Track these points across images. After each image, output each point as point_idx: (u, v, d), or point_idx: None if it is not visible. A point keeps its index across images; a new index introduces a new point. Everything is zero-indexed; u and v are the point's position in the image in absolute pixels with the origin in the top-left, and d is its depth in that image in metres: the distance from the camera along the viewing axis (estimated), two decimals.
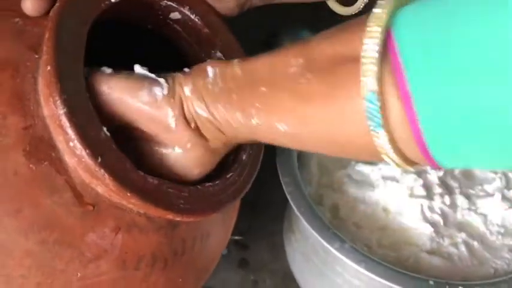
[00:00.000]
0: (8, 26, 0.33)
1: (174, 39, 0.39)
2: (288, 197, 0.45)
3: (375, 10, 0.26)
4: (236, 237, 0.55)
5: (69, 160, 0.31)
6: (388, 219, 0.46)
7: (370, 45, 0.25)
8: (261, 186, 0.57)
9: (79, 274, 0.32)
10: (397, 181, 0.47)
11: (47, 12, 0.32)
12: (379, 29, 0.25)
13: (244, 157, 0.38)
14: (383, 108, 0.25)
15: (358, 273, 0.42)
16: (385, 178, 0.48)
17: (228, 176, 0.36)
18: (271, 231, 0.55)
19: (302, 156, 0.50)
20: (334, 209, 0.48)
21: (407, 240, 0.45)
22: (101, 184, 0.31)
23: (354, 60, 0.26)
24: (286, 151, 0.47)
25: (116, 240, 0.32)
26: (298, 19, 0.69)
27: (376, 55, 0.25)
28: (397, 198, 0.46)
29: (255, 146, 0.39)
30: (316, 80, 0.28)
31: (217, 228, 0.40)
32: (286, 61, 0.30)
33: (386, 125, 0.25)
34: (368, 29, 0.25)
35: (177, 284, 0.37)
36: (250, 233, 0.55)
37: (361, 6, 0.43)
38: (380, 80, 0.25)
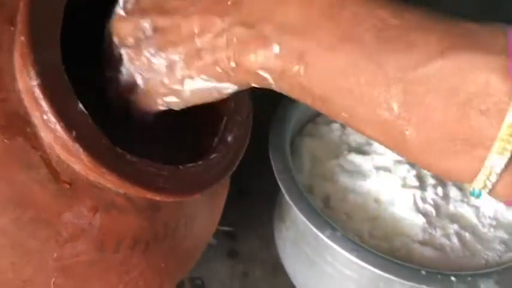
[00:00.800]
0: None
1: None
2: (280, 184, 0.44)
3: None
4: (225, 228, 0.54)
5: (45, 136, 0.30)
6: (379, 209, 0.45)
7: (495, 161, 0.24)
8: (250, 176, 0.57)
9: (55, 254, 0.31)
10: (390, 171, 0.47)
11: None
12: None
13: (229, 138, 0.37)
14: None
15: (350, 262, 0.41)
16: (377, 168, 0.47)
17: (211, 157, 0.36)
18: (261, 221, 0.54)
19: (294, 146, 0.50)
20: (326, 199, 0.47)
21: (399, 231, 0.44)
22: (77, 161, 0.30)
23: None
24: (279, 139, 0.47)
25: (94, 220, 0.31)
26: None
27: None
28: (389, 188, 0.46)
29: (241, 128, 0.38)
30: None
31: (203, 214, 0.40)
32: None
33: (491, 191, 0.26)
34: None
35: (159, 269, 0.36)
36: (240, 223, 0.55)
37: None
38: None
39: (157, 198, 0.32)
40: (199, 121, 0.39)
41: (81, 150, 0.29)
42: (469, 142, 0.24)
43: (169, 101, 0.33)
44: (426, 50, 0.24)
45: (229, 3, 0.28)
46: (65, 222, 0.31)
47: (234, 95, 0.39)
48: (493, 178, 0.24)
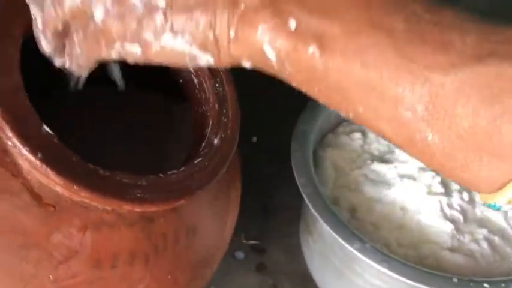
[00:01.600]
0: None
1: None
2: (305, 197, 0.44)
3: None
4: (252, 242, 0.54)
5: (23, 163, 0.30)
6: (406, 218, 0.45)
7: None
8: (274, 189, 0.57)
9: (51, 277, 0.31)
10: (414, 179, 0.47)
11: None
12: None
13: (215, 141, 0.37)
14: None
15: (380, 273, 0.41)
16: (401, 176, 0.47)
17: (195, 162, 0.35)
18: (287, 233, 0.54)
19: (316, 157, 0.50)
20: (351, 210, 0.47)
21: (427, 238, 0.44)
22: (54, 183, 0.30)
23: None
24: (301, 153, 0.47)
25: (85, 239, 0.32)
26: None
27: None
28: (415, 196, 0.46)
29: (228, 130, 0.38)
30: None
31: (207, 223, 0.39)
32: None
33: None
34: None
35: (166, 281, 0.36)
36: (266, 236, 0.55)
37: None
38: None
39: (137, 209, 0.32)
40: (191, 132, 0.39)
41: (49, 170, 0.30)
42: (498, 157, 0.23)
43: (129, 51, 0.27)
44: (462, 52, 0.22)
45: None
46: (55, 244, 0.31)
47: (217, 96, 0.38)
48: None
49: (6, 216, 0.30)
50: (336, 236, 0.42)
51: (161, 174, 0.33)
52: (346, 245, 0.41)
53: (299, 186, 0.45)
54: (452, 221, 0.44)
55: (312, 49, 0.24)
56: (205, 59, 0.26)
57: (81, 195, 0.31)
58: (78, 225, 0.31)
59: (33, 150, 0.30)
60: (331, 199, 0.47)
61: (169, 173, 0.34)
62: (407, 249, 0.44)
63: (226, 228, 0.42)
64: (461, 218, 0.45)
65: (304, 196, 0.44)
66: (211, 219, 0.40)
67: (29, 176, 0.31)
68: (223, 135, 0.37)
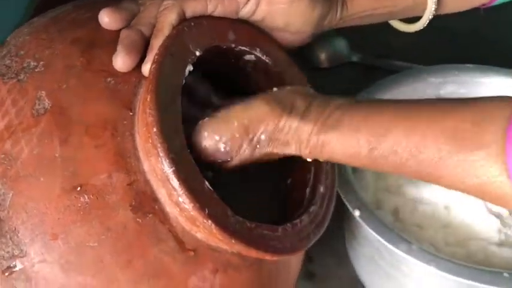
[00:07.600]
0: (103, 86, 0.34)
1: (241, 79, 0.41)
2: (347, 204, 0.45)
3: None
4: None
5: (171, 210, 0.33)
6: (451, 216, 0.46)
7: None
8: None
9: None
10: None
11: (133, 68, 0.35)
12: None
13: (322, 189, 0.39)
14: None
15: (428, 272, 0.41)
16: None
17: (310, 210, 0.38)
18: (333, 239, 0.55)
19: None
20: (395, 212, 0.48)
21: (473, 235, 0.44)
22: (201, 231, 0.33)
23: None
24: None
25: (215, 281, 0.34)
26: None
27: None
28: (457, 193, 0.46)
29: (329, 178, 0.40)
30: None
31: (297, 257, 0.42)
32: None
33: None
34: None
35: None
36: (313, 245, 0.55)
37: (426, 23, 0.44)
38: None
39: (275, 258, 0.35)
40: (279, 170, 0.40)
41: (213, 225, 0.32)
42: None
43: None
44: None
45: None
46: (192, 287, 0.33)
47: None
48: None
49: (154, 261, 0.32)
50: (381, 239, 0.42)
51: (289, 224, 0.36)
52: (393, 248, 0.42)
53: (340, 194, 0.46)
54: (498, 215, 0.45)
55: None
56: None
57: (234, 247, 0.33)
58: (211, 268, 0.34)
59: (202, 208, 0.32)
60: (373, 203, 0.47)
61: (295, 222, 0.37)
62: (455, 247, 0.44)
63: (302, 256, 0.44)
64: (505, 211, 0.45)
65: (346, 203, 0.45)
66: (300, 254, 0.42)
67: (174, 223, 0.33)
68: (326, 183, 0.39)
